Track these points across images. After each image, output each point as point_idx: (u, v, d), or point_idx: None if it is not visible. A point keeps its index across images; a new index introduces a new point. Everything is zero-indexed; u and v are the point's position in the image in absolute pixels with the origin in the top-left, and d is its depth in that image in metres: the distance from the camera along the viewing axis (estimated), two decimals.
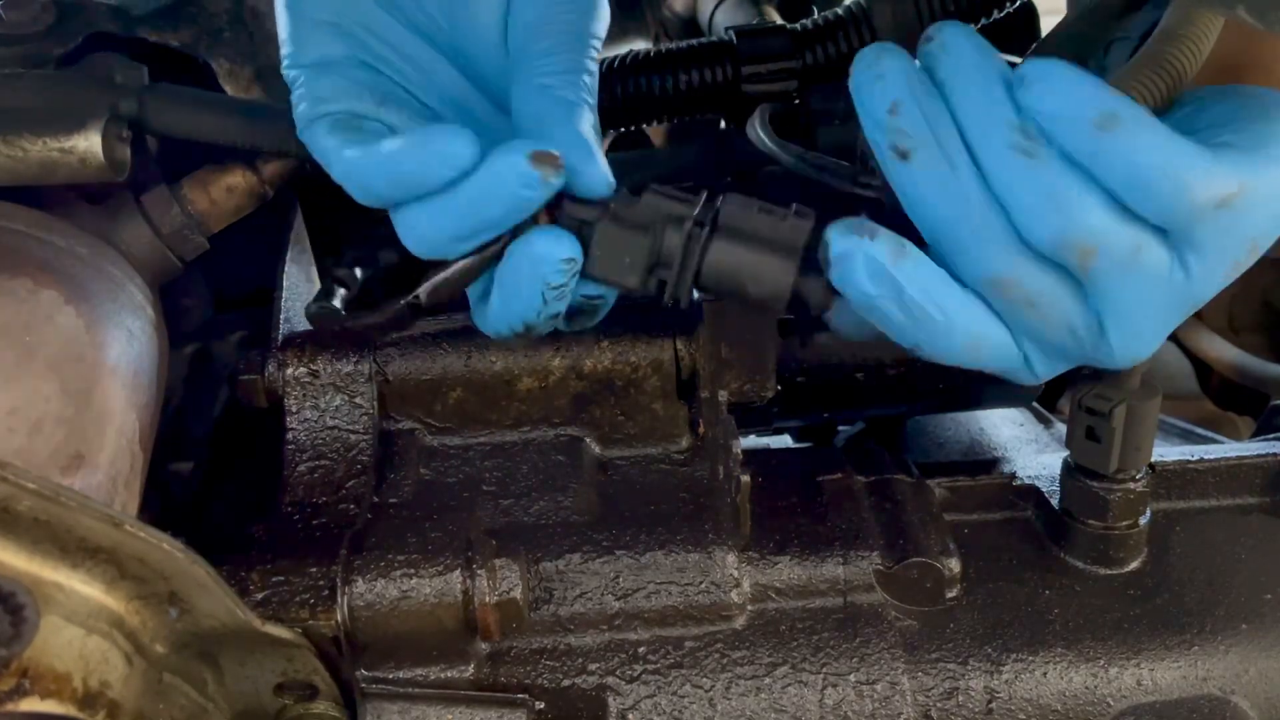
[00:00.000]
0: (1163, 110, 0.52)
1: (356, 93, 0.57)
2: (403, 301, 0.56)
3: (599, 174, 0.54)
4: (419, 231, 0.54)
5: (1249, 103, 0.50)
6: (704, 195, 0.56)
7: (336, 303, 0.57)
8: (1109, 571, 0.67)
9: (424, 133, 0.52)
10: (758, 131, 0.62)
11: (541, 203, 0.53)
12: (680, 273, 0.55)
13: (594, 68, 0.58)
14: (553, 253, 0.54)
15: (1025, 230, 0.48)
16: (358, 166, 0.53)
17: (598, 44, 0.59)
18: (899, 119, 0.49)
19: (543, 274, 0.54)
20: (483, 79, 0.61)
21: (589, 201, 0.55)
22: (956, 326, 0.50)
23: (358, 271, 0.59)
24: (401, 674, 0.61)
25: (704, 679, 0.62)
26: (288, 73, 0.58)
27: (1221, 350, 1.11)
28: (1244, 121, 0.49)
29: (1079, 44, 0.61)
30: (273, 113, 0.65)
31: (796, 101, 0.82)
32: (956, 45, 0.49)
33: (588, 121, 0.55)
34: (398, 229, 0.55)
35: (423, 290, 0.56)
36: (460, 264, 0.56)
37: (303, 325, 0.72)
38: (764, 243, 0.54)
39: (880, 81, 0.49)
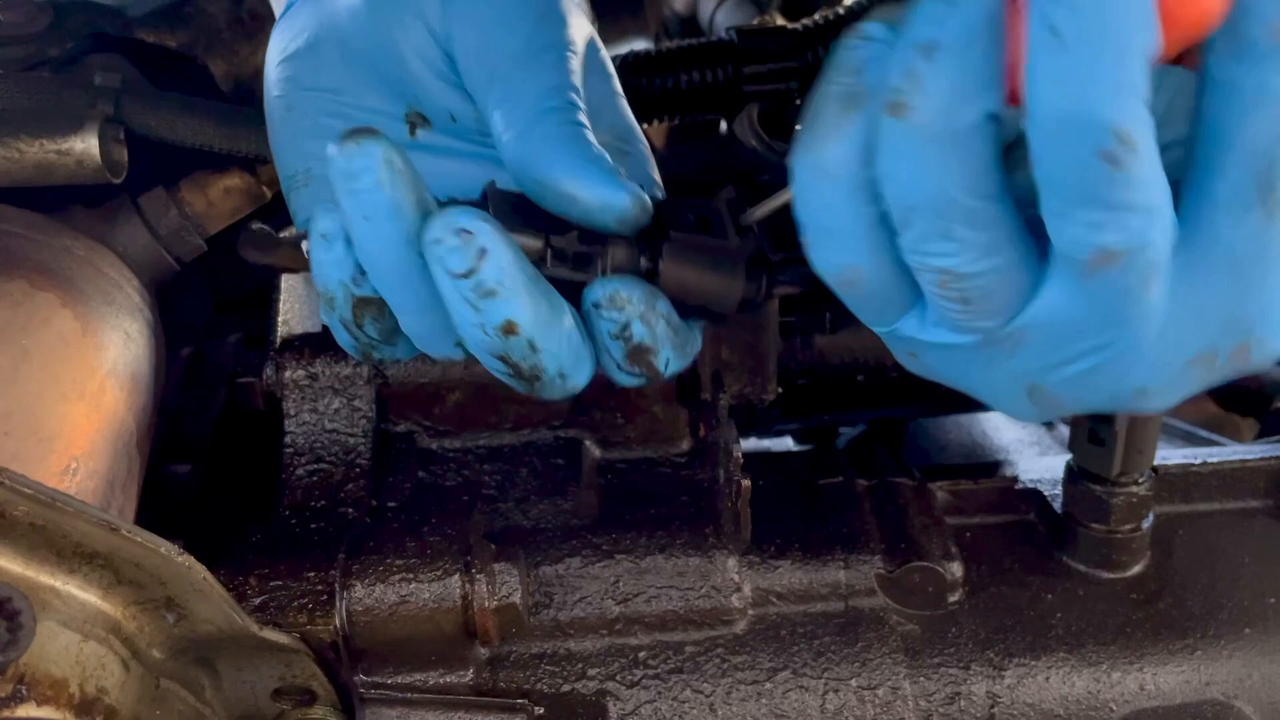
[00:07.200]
0: None
1: None
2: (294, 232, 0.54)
3: (633, 194, 0.48)
4: None
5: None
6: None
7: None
8: (1111, 575, 0.66)
9: None
10: (746, 131, 0.61)
11: None
12: None
13: (576, 80, 0.51)
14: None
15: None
16: None
17: (575, 50, 0.53)
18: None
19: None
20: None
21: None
22: None
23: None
24: (400, 679, 0.61)
25: (705, 684, 0.62)
26: None
27: None
28: None
29: None
30: (251, 117, 0.64)
31: (798, 102, 0.82)
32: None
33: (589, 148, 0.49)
34: None
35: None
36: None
37: (302, 328, 0.72)
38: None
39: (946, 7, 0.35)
